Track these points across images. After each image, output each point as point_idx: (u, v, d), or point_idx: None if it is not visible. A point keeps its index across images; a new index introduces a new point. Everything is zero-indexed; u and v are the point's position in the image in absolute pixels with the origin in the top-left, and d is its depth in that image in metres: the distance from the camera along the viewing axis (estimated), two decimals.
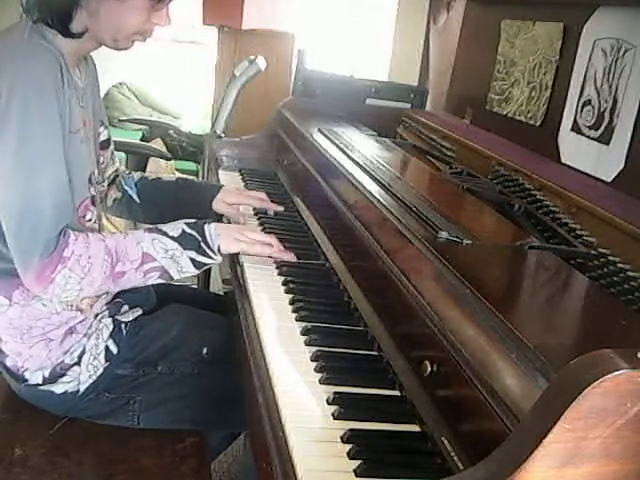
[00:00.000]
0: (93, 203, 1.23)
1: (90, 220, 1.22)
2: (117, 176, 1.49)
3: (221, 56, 3.64)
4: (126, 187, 1.49)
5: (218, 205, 1.50)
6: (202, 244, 1.20)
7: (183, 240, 1.19)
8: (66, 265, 1.09)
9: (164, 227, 1.20)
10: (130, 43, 1.18)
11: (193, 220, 1.23)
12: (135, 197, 1.49)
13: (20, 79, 1.04)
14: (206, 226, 1.22)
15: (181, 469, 1.17)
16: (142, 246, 1.15)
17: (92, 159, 1.24)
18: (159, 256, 1.16)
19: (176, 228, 1.20)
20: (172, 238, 1.18)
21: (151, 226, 1.22)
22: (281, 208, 1.55)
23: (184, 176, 1.95)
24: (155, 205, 1.50)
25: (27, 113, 1.04)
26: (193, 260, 1.19)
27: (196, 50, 5.02)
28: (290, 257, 1.28)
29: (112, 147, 1.44)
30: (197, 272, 1.22)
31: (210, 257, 1.21)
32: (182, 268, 1.19)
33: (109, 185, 1.47)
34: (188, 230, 1.20)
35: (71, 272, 1.09)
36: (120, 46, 1.17)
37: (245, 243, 1.24)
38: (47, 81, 1.06)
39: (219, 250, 1.21)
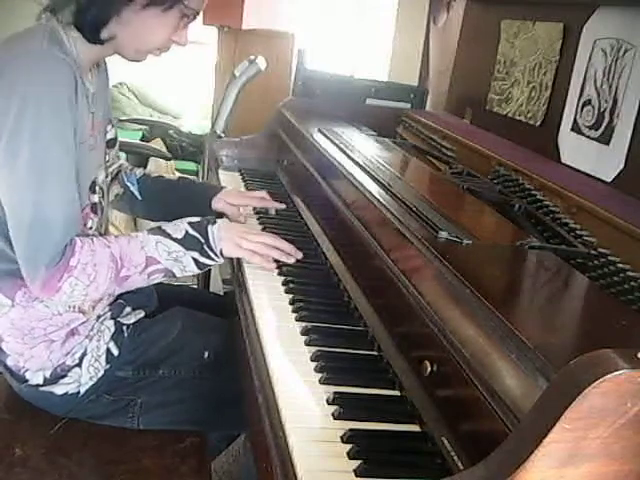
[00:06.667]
0: (94, 211, 1.22)
1: (91, 228, 1.22)
2: (119, 171, 1.49)
3: (221, 56, 3.64)
4: (128, 183, 1.49)
5: (218, 204, 1.50)
6: (205, 246, 1.21)
7: (186, 242, 1.20)
8: (72, 274, 1.09)
9: (168, 228, 1.21)
10: (145, 57, 1.21)
11: (197, 219, 1.24)
12: (137, 194, 1.49)
13: (34, 91, 1.04)
14: (209, 227, 1.22)
15: (181, 469, 1.17)
16: (146, 250, 1.17)
17: (97, 165, 1.24)
18: (163, 259, 1.18)
19: (179, 229, 1.21)
20: (175, 240, 1.19)
21: (154, 226, 1.23)
22: (282, 205, 1.56)
23: (185, 176, 1.95)
24: (156, 202, 1.52)
25: (40, 125, 1.04)
26: (196, 260, 1.21)
27: (196, 50, 5.01)
28: (291, 259, 1.28)
29: (117, 145, 1.44)
30: (199, 272, 1.24)
31: (212, 259, 1.22)
32: (185, 267, 1.20)
33: (112, 180, 1.46)
34: (191, 232, 1.21)
35: (77, 280, 1.10)
36: (138, 58, 1.20)
37: (247, 252, 1.25)
38: (61, 95, 1.05)
39: (221, 253, 1.22)
